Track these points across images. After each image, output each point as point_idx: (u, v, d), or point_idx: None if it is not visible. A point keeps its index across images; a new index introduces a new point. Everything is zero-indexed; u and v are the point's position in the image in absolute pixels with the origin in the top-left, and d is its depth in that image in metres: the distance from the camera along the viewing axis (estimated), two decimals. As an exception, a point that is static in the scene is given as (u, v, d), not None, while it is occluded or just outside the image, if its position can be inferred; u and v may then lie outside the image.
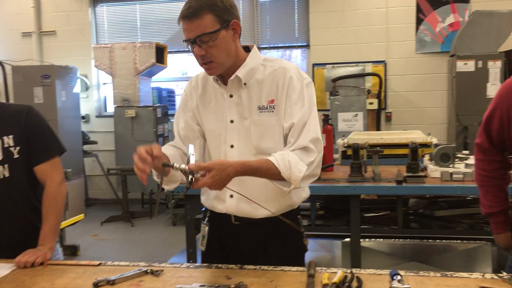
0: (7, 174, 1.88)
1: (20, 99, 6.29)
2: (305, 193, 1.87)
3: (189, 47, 1.65)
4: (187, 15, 1.59)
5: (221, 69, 1.68)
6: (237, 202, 1.75)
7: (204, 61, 1.65)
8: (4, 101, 5.00)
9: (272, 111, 1.71)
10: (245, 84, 1.72)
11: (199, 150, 1.83)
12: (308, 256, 1.91)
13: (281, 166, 1.57)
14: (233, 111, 1.74)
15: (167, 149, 1.77)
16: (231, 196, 1.76)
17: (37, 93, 6.19)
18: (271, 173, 1.58)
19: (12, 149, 1.88)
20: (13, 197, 1.91)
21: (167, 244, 5.46)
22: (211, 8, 1.59)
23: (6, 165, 1.88)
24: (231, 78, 1.71)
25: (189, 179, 1.44)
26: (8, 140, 1.88)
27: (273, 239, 1.79)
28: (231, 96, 1.74)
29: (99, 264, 1.74)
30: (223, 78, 1.75)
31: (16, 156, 1.89)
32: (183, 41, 1.65)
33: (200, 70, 1.78)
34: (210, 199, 1.83)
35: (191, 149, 1.51)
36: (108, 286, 1.53)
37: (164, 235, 5.87)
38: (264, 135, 1.72)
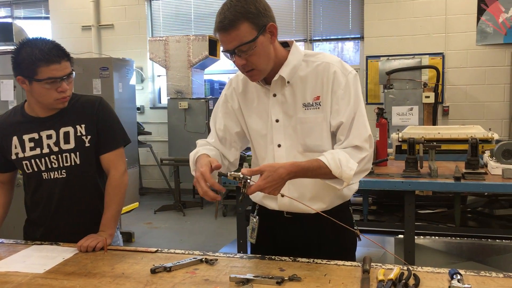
0: (78, 162, 1.96)
1: (80, 91, 6.42)
2: (356, 185, 1.84)
3: (229, 56, 1.62)
4: (223, 27, 1.55)
5: (264, 74, 1.66)
6: (289, 200, 1.73)
7: (245, 70, 1.64)
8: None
9: (318, 108, 1.68)
10: (288, 82, 1.70)
11: (234, 151, 1.85)
12: (359, 252, 1.89)
13: (332, 165, 1.57)
14: (277, 110, 1.72)
15: (209, 151, 1.76)
16: (282, 195, 1.74)
17: (96, 84, 6.41)
18: (323, 172, 1.59)
19: (84, 137, 1.96)
20: (83, 183, 1.99)
21: (218, 234, 5.54)
22: (246, 16, 1.54)
23: (77, 153, 1.95)
24: (275, 78, 1.69)
25: (243, 183, 1.49)
26: (81, 129, 1.95)
27: (326, 231, 1.78)
28: (274, 95, 1.72)
29: (156, 251, 1.79)
30: (265, 77, 1.71)
31: (87, 144, 1.96)
32: (222, 51, 1.63)
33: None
34: (260, 196, 1.82)
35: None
36: (165, 272, 1.57)
37: (215, 225, 5.96)
38: (310, 132, 1.70)
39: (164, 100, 7.85)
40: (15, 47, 1.85)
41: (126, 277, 1.55)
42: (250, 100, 1.79)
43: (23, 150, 1.95)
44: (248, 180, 1.51)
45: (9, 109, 2.10)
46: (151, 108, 7.98)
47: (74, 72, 1.90)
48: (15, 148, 1.96)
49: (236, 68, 1.67)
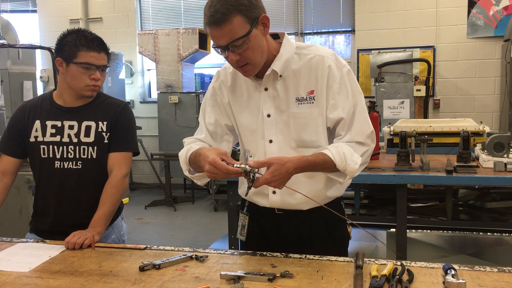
0: (94, 156, 2.00)
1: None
2: (348, 181, 1.79)
3: (220, 52, 1.55)
4: (215, 21, 1.46)
5: (258, 68, 1.60)
6: (281, 197, 1.71)
7: (239, 65, 1.57)
8: (53, 86, 5.17)
9: (312, 103, 1.63)
10: (280, 76, 1.64)
11: (226, 145, 1.79)
12: (351, 246, 1.88)
13: (337, 159, 1.55)
14: (269, 105, 1.67)
15: (201, 146, 1.69)
16: (274, 192, 1.71)
17: (85, 79, 6.33)
18: (327, 166, 1.56)
19: (103, 134, 2.01)
20: (95, 178, 2.01)
21: (209, 229, 5.51)
22: (238, 9, 1.46)
23: (95, 147, 2.00)
24: (267, 73, 1.62)
25: (251, 177, 1.44)
26: (102, 126, 2.02)
27: (318, 227, 1.75)
28: (266, 89, 1.66)
29: (145, 248, 1.75)
30: None
31: (106, 141, 2.01)
32: (213, 47, 1.56)
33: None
34: (250, 192, 1.75)
35: (247, 152, 1.53)
36: (154, 270, 1.53)
37: (206, 220, 5.93)
38: (305, 127, 1.65)
39: (154, 94, 7.78)
40: (62, 33, 1.96)
41: (114, 275, 1.51)
42: (239, 94, 1.73)
43: (44, 135, 1.99)
44: (255, 173, 1.45)
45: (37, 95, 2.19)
46: (141, 102, 7.91)
47: (109, 68, 2.03)
48: (36, 131, 2.00)
49: (225, 61, 1.62)
